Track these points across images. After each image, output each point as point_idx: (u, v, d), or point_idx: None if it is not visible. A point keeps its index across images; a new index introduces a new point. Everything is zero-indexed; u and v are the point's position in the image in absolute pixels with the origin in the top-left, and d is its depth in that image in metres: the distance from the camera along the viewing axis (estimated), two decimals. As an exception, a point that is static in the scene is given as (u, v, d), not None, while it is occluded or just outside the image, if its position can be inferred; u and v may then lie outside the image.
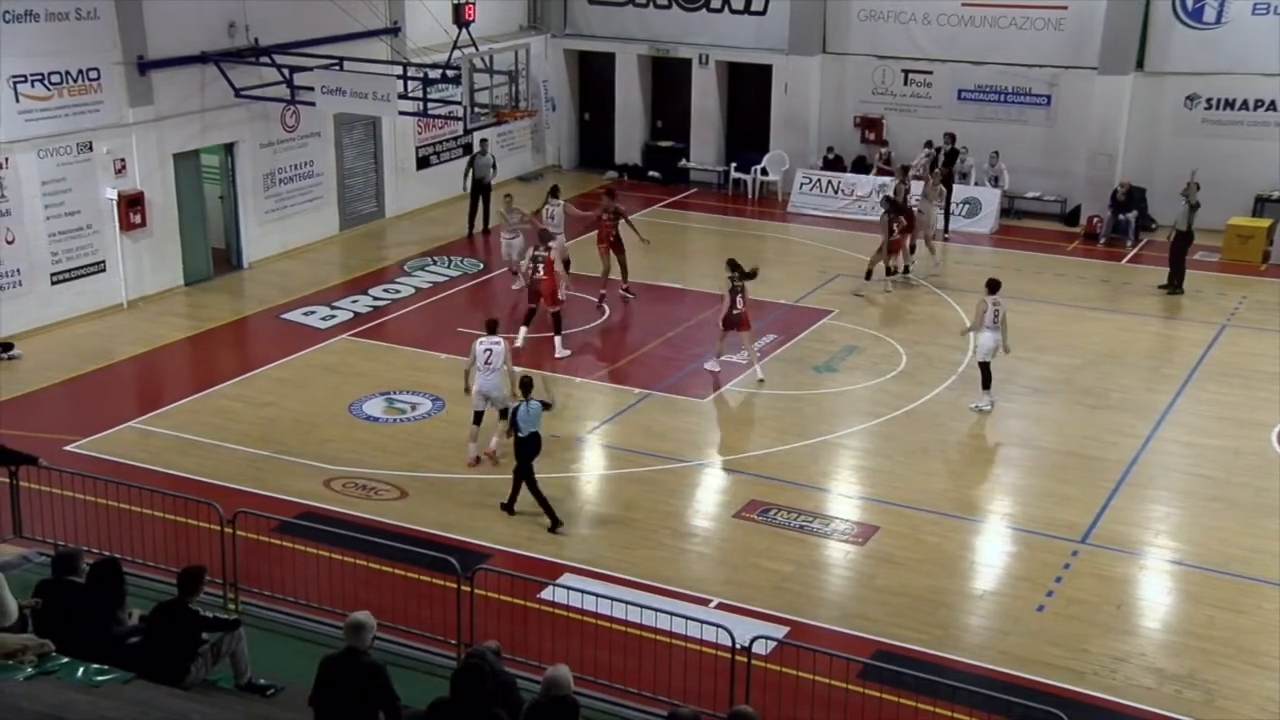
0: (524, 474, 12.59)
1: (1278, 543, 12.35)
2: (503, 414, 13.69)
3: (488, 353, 13.76)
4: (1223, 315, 18.97)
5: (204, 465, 13.71)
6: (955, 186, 23.84)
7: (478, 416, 13.94)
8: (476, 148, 23.49)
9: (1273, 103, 22.34)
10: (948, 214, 22.97)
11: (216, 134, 20.08)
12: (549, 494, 12.71)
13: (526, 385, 12.61)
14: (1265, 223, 21.80)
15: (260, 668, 9.33)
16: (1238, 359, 17.23)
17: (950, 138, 23.99)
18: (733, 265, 16.42)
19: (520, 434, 12.41)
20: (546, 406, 12.71)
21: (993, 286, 15.55)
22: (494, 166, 23.40)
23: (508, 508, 12.78)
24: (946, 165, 23.44)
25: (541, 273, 17.09)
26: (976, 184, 24.01)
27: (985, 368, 15.56)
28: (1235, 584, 11.69)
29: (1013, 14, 23.86)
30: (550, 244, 17.40)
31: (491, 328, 14.20)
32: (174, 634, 8.75)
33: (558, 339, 17.19)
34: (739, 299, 16.23)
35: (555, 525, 12.52)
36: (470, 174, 23.10)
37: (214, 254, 20.50)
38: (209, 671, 9.02)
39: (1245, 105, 22.58)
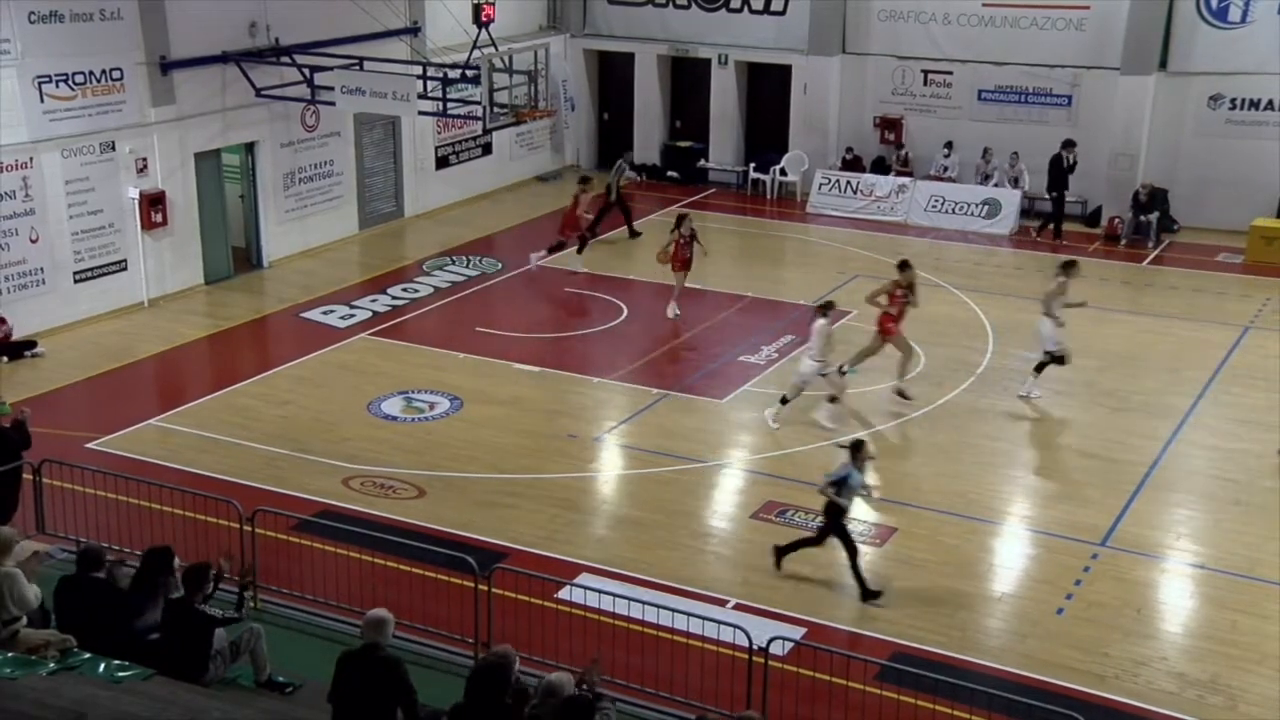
0: (842, 536, 11.39)
1: (1301, 547, 12.27)
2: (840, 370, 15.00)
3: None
4: (1246, 318, 18.82)
5: (224, 463, 13.78)
6: (977, 188, 23.78)
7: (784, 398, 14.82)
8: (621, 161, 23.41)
9: (1299, 103, 22.21)
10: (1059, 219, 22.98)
11: (237, 133, 20.18)
12: (565, 495, 12.68)
13: (858, 448, 11.54)
14: (1289, 224, 21.65)
15: (279, 665, 9.39)
16: (1261, 362, 17.10)
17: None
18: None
19: (841, 499, 11.34)
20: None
21: (1069, 265, 15.81)
22: (625, 173, 23.23)
23: (866, 595, 11.35)
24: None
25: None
26: (997, 185, 23.91)
27: (1055, 357, 15.55)
28: (1260, 588, 11.60)
29: (1034, 14, 23.74)
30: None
31: (824, 309, 14.82)
32: (184, 633, 8.80)
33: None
34: None
35: (870, 596, 11.30)
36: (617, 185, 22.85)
37: (234, 253, 20.61)
38: (228, 668, 9.07)
39: (1270, 105, 22.38)
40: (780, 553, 11.75)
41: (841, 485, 11.31)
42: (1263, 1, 22.08)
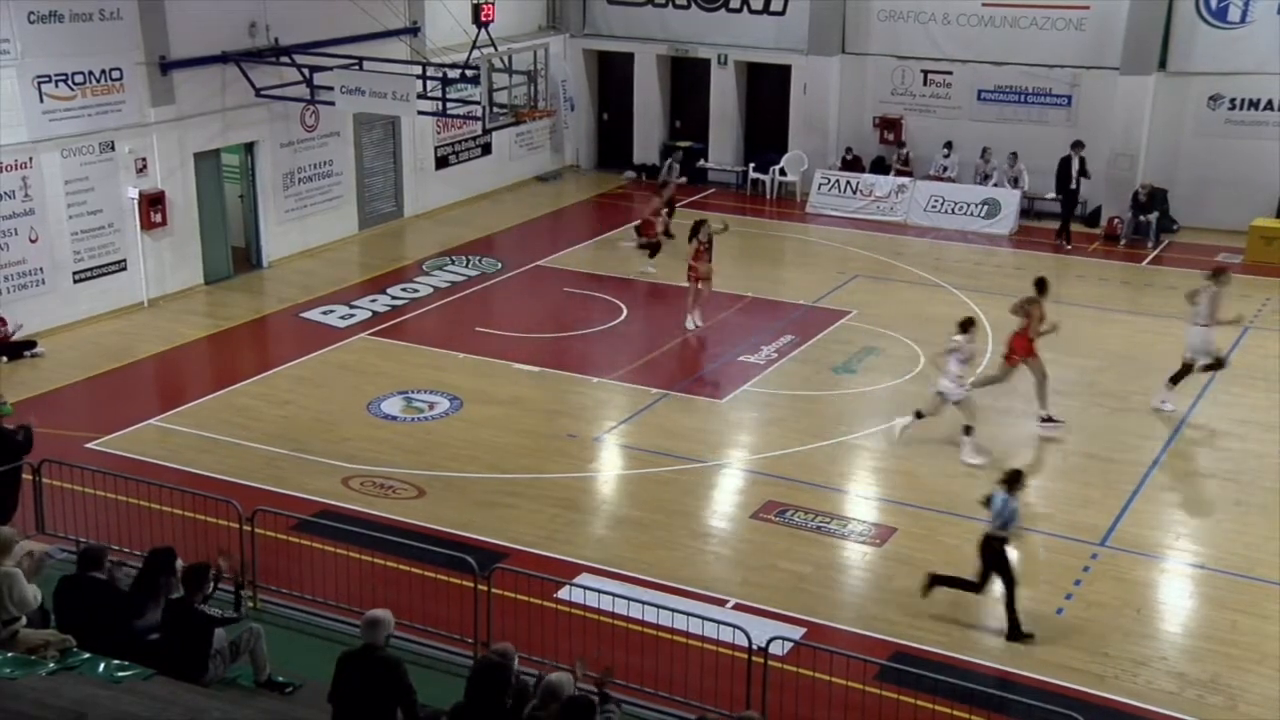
0: (1005, 571, 10.83)
1: (1301, 547, 12.27)
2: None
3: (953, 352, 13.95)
4: (1245, 318, 18.79)
5: (223, 463, 13.78)
6: (976, 188, 23.81)
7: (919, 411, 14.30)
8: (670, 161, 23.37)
9: (1297, 103, 22.21)
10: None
11: (237, 133, 20.18)
12: (565, 495, 12.67)
13: (1014, 479, 10.85)
14: (1289, 224, 21.66)
15: (279, 665, 9.39)
16: (1260, 361, 17.11)
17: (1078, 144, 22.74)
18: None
19: (1004, 532, 10.78)
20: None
21: (1219, 274, 15.10)
22: (674, 171, 23.15)
23: (1016, 635, 10.74)
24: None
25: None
26: (996, 185, 23.91)
27: (1205, 366, 15.15)
28: (1260, 588, 11.60)
29: (1033, 14, 23.75)
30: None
31: (964, 326, 14.14)
32: (184, 633, 8.80)
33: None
34: None
35: (1019, 637, 10.74)
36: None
37: (234, 253, 20.61)
38: (228, 668, 9.07)
39: (1270, 106, 22.39)
40: (935, 582, 11.03)
41: (1009, 521, 10.74)
42: (1262, 1, 22.09)
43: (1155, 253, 22.30)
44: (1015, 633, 10.73)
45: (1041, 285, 14.95)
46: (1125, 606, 11.32)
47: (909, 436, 14.40)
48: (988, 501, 10.92)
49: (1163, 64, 22.93)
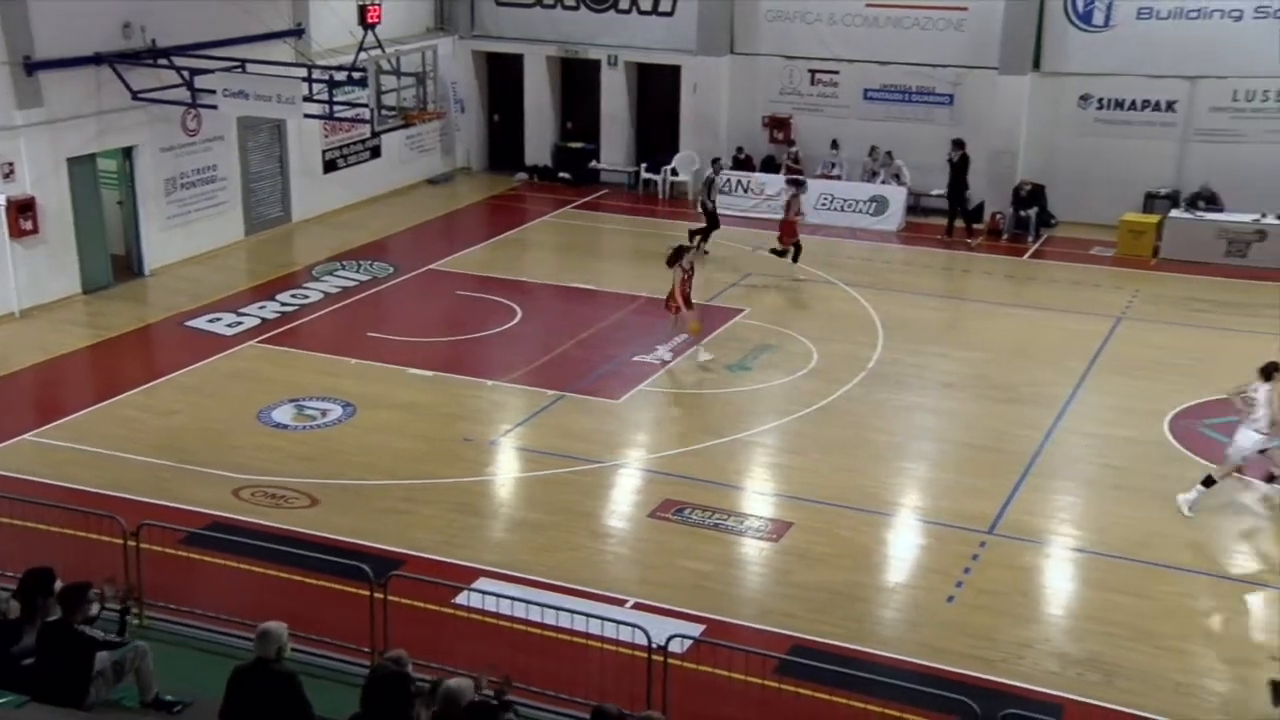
0: None
1: (1175, 528, 12.73)
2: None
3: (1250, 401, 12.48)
4: (1118, 308, 19.50)
5: (106, 477, 13.35)
6: (864, 186, 24.24)
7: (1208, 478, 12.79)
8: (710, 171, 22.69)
9: (1159, 103, 23.04)
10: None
11: (114, 137, 19.55)
12: (463, 500, 12.55)
13: None
14: (1155, 218, 22.47)
15: (168, 683, 9.11)
16: (1134, 351, 17.73)
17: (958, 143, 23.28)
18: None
19: None
20: None
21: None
22: (715, 184, 22.39)
23: None
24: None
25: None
26: (884, 183, 24.38)
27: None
28: (1135, 568, 12.02)
29: (915, 15, 24.26)
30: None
31: (1268, 373, 12.63)
32: (62, 656, 8.48)
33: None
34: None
35: None
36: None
37: (114, 261, 19.97)
38: (111, 690, 8.77)
39: (1134, 105, 23.25)
40: None
41: None
42: (1124, 5, 22.92)
43: (1035, 246, 22.95)
44: None
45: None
46: (1013, 592, 11.62)
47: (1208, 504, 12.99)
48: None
49: (1037, 64, 23.63)
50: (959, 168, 23.11)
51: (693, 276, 17.06)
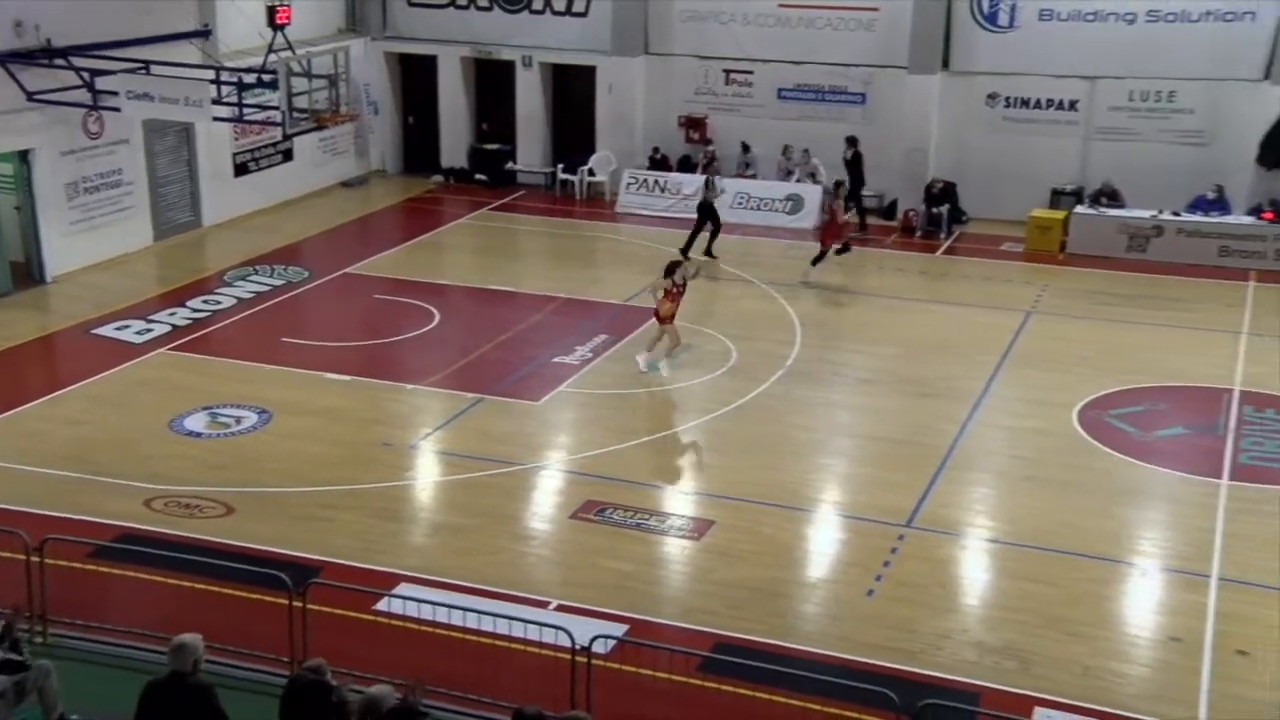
0: None
1: (1085, 517, 13.03)
2: None
3: None
4: (1028, 303, 19.92)
5: (8, 491, 12.93)
6: (780, 184, 24.47)
7: None
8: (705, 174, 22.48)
9: (1062, 102, 23.60)
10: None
11: (8, 140, 18.94)
12: (383, 505, 12.41)
13: None
14: (1061, 214, 23.00)
15: (76, 702, 8.88)
16: (1043, 344, 18.13)
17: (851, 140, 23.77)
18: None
19: None
20: None
21: None
22: (717, 188, 22.13)
23: None
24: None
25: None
26: (798, 181, 24.63)
27: None
28: (1047, 557, 12.28)
29: (828, 15, 24.54)
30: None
31: None
32: None
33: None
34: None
35: None
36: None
37: (13, 268, 19.39)
38: (12, 712, 8.51)
39: (1039, 104, 23.79)
40: None
41: None
42: (1027, 7, 23.45)
43: (948, 243, 23.36)
44: None
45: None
46: (931, 584, 11.80)
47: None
48: None
49: (946, 64, 24.06)
50: (853, 164, 23.51)
51: (683, 293, 16.68)
